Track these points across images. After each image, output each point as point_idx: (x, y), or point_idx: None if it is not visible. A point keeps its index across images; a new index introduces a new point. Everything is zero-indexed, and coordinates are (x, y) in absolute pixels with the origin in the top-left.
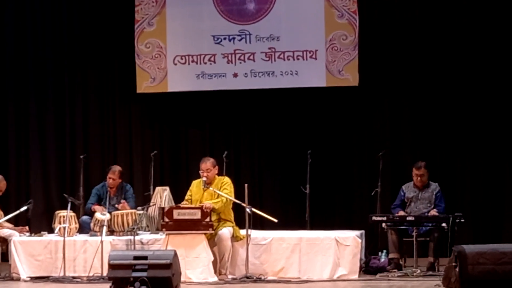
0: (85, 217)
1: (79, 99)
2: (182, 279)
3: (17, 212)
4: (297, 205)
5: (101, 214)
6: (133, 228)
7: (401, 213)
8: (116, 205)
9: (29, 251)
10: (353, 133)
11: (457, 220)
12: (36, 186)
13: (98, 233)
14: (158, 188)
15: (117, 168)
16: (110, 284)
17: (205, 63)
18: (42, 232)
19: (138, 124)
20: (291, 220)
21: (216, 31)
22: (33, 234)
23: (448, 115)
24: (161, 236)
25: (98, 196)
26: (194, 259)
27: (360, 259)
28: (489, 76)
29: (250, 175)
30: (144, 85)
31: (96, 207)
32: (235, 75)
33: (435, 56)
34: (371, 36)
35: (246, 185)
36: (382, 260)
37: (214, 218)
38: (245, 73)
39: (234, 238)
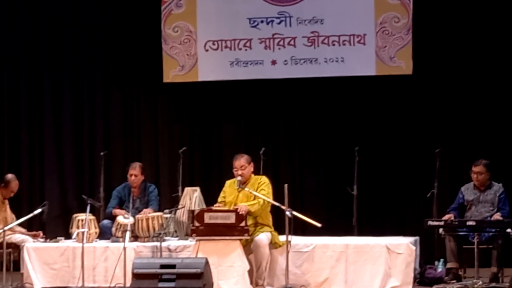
0: (106, 221)
1: (99, 91)
2: None
3: (31, 215)
4: (343, 208)
5: (124, 218)
6: (160, 234)
7: (447, 216)
8: (140, 213)
9: (43, 259)
10: (406, 127)
11: None
12: (51, 186)
13: (121, 239)
14: (187, 189)
15: (137, 164)
16: None
17: (240, 49)
18: (58, 238)
19: (165, 117)
20: (336, 224)
21: (252, 13)
22: (48, 240)
23: None
24: (190, 242)
25: (119, 198)
26: (228, 268)
27: (414, 269)
28: None
29: (290, 174)
30: (171, 74)
31: (118, 211)
32: (274, 62)
33: (502, 38)
34: (426, 18)
35: (285, 185)
36: (439, 270)
37: (250, 222)
38: (285, 60)
39: (273, 244)
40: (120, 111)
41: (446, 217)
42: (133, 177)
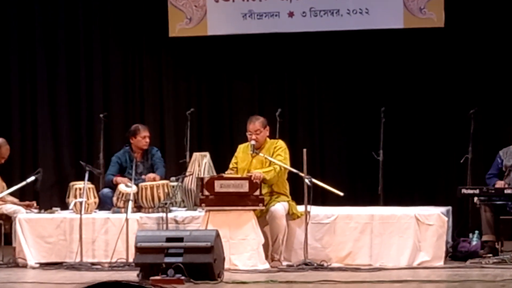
0: (106, 190)
1: (97, 46)
2: (226, 266)
3: (23, 183)
4: (367, 175)
5: (126, 186)
6: (166, 204)
7: (499, 184)
8: (144, 176)
9: (38, 232)
10: (437, 86)
11: None
12: (45, 151)
13: (123, 210)
14: (195, 154)
15: (146, 127)
16: (137, 272)
17: (254, 0)
18: (54, 208)
19: (171, 75)
20: (360, 193)
21: None
22: (42, 211)
23: None
24: (199, 213)
25: (120, 165)
26: (241, 241)
27: (446, 242)
28: None
29: (309, 138)
30: (178, 28)
31: (120, 179)
32: (291, 14)
33: None
34: None
35: (304, 150)
36: (474, 243)
37: (265, 191)
38: (303, 12)
39: (290, 215)
40: (121, 69)
41: (498, 184)
42: (147, 139)
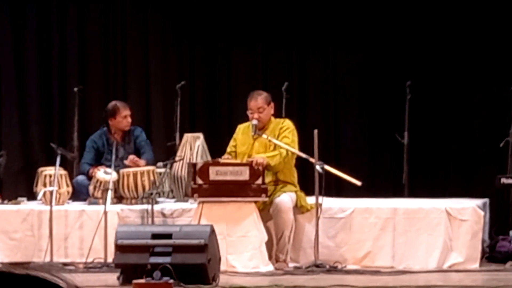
0: (81, 178)
1: (73, 5)
2: (223, 267)
3: None
4: (390, 161)
5: (105, 173)
6: (151, 194)
7: None
8: (125, 161)
9: (0, 226)
10: (474, 55)
11: None
12: (10, 131)
13: (100, 201)
14: (187, 136)
15: (126, 104)
16: (117, 274)
17: None
18: (19, 199)
19: (158, 41)
20: (381, 183)
21: None
22: (6, 202)
23: None
24: (191, 205)
25: (96, 150)
26: (240, 238)
27: (483, 241)
28: None
29: (321, 117)
30: None
31: (97, 170)
32: None
33: None
34: None
35: (315, 131)
36: None
37: (269, 179)
38: None
39: (298, 208)
40: (99, 33)
41: None
42: (128, 119)
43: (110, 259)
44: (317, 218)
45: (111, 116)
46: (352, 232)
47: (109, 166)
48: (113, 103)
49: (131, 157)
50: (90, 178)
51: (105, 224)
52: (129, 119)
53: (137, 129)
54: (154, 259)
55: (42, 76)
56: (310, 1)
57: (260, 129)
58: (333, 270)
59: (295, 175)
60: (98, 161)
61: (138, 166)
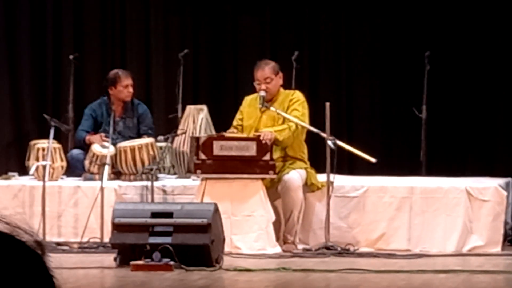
0: (76, 151)
1: None
2: (227, 249)
3: None
4: (407, 136)
5: (101, 147)
6: (151, 169)
7: None
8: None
9: None
10: (497, 23)
11: None
12: (0, 102)
13: (97, 176)
14: (190, 108)
15: (128, 73)
16: (114, 255)
17: None
18: (10, 173)
19: (159, 7)
20: (397, 160)
21: None
22: None
23: None
24: (194, 181)
25: (94, 119)
26: (246, 218)
27: (505, 223)
28: None
29: (333, 88)
30: None
31: (93, 137)
32: None
33: None
34: None
35: (327, 104)
36: None
37: (277, 155)
38: None
39: (308, 187)
40: None
41: None
42: (130, 89)
43: (106, 239)
44: (328, 197)
45: (111, 85)
46: (366, 212)
47: (107, 137)
48: (114, 71)
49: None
50: (87, 146)
51: (101, 201)
52: (131, 89)
53: (141, 105)
54: (153, 239)
55: (35, 42)
56: None
57: (268, 101)
58: (344, 252)
59: (305, 151)
60: (96, 131)
61: None
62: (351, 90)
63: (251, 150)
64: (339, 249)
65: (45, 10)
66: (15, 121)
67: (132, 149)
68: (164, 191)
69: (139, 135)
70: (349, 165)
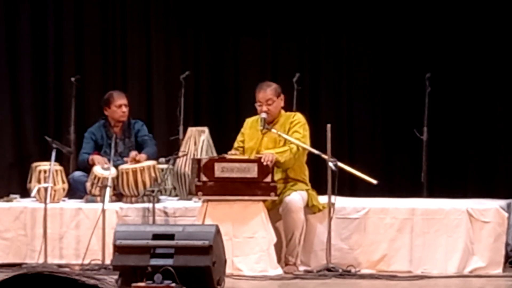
0: (77, 174)
1: None
2: (228, 270)
3: None
4: (408, 158)
5: (103, 169)
6: (153, 191)
7: None
8: (126, 159)
9: None
10: (497, 45)
11: None
12: (1, 123)
13: (98, 198)
14: (191, 130)
15: (122, 93)
16: (115, 277)
17: None
18: (12, 196)
19: (161, 29)
20: (398, 181)
21: None
22: None
23: None
24: (195, 203)
25: (95, 142)
26: (247, 240)
27: (507, 244)
28: None
29: (335, 110)
30: None
31: (96, 157)
32: None
33: None
34: None
35: (328, 125)
36: None
37: (278, 176)
38: None
39: (310, 208)
40: (98, 18)
41: None
42: (123, 109)
43: (108, 261)
44: (330, 219)
45: (105, 105)
46: (367, 233)
47: (109, 159)
48: (109, 92)
49: (133, 154)
50: (90, 166)
51: (103, 223)
52: (125, 109)
53: (137, 122)
54: (155, 261)
55: (37, 63)
56: None
57: (270, 123)
58: (346, 274)
59: (306, 172)
60: (98, 153)
61: (139, 162)
62: (352, 111)
63: (253, 172)
64: (340, 270)
65: (46, 32)
66: (17, 143)
67: (134, 171)
68: (166, 213)
69: (140, 152)
70: (350, 187)
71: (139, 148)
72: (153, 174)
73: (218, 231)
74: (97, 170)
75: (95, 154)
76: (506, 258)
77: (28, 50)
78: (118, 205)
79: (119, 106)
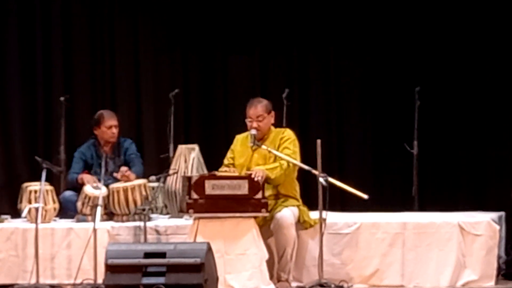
0: (68, 193)
1: (57, 8)
2: (221, 287)
3: None
4: (398, 172)
5: (93, 188)
6: (144, 210)
7: None
8: (115, 174)
9: None
10: (487, 60)
11: None
12: None
13: (89, 217)
14: (181, 148)
15: (112, 112)
16: None
17: None
18: (3, 216)
19: (149, 47)
20: (389, 196)
21: None
22: None
23: None
24: (186, 221)
25: (85, 162)
26: (239, 257)
27: (498, 257)
28: None
29: (324, 125)
30: None
31: (85, 176)
32: None
33: None
34: None
35: (318, 141)
36: None
37: (269, 193)
38: None
39: (301, 224)
40: (86, 37)
41: None
42: (113, 130)
43: (100, 280)
44: (321, 234)
45: (95, 125)
46: (359, 248)
47: (99, 179)
48: (99, 112)
49: (123, 169)
50: (80, 186)
51: (94, 242)
52: (114, 130)
53: (126, 141)
54: (147, 280)
55: (26, 83)
56: (310, 2)
57: (260, 139)
58: None
59: (297, 188)
60: (88, 173)
61: (129, 179)
62: (342, 126)
63: (243, 188)
64: (333, 286)
65: (35, 51)
66: (7, 163)
67: (125, 190)
68: (157, 231)
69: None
70: (341, 202)
71: (127, 166)
72: (144, 193)
73: (209, 249)
74: (88, 189)
75: (84, 173)
76: (498, 270)
77: (17, 69)
78: (109, 224)
79: (109, 127)
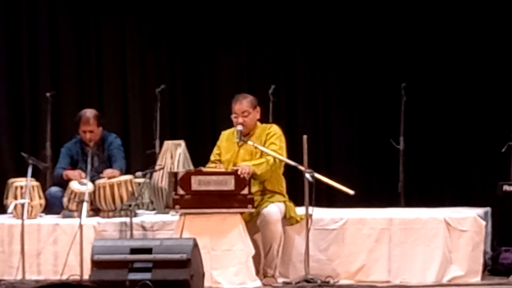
0: (54, 189)
1: (43, 4)
2: (207, 283)
3: None
4: (384, 168)
5: (79, 184)
6: (130, 205)
7: None
8: (101, 175)
9: None
10: (473, 56)
11: None
12: None
13: (75, 213)
14: (167, 143)
15: (91, 113)
16: None
17: None
18: None
19: (135, 43)
20: (375, 191)
21: None
22: None
23: None
24: (172, 217)
25: (71, 158)
26: (225, 252)
27: (484, 253)
28: None
29: (311, 121)
30: None
31: (70, 173)
32: None
33: None
34: None
35: (304, 136)
36: None
37: (255, 189)
38: None
39: (287, 220)
40: (72, 33)
41: None
42: (87, 135)
43: (86, 276)
44: (307, 230)
45: (76, 126)
46: (345, 244)
47: (86, 175)
48: (81, 112)
49: (107, 171)
50: (65, 182)
51: (80, 238)
52: (88, 135)
53: (111, 135)
54: (133, 276)
55: (12, 79)
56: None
57: (246, 135)
58: (324, 285)
59: (283, 184)
60: (74, 169)
61: (115, 177)
62: (328, 122)
63: (229, 184)
64: (319, 281)
65: (21, 47)
66: None
67: (111, 186)
68: (143, 227)
69: (110, 164)
70: (327, 198)
71: (109, 160)
72: (130, 188)
73: (196, 244)
74: (74, 185)
75: (68, 169)
76: (485, 266)
77: (3, 65)
78: (96, 220)
79: (83, 131)
